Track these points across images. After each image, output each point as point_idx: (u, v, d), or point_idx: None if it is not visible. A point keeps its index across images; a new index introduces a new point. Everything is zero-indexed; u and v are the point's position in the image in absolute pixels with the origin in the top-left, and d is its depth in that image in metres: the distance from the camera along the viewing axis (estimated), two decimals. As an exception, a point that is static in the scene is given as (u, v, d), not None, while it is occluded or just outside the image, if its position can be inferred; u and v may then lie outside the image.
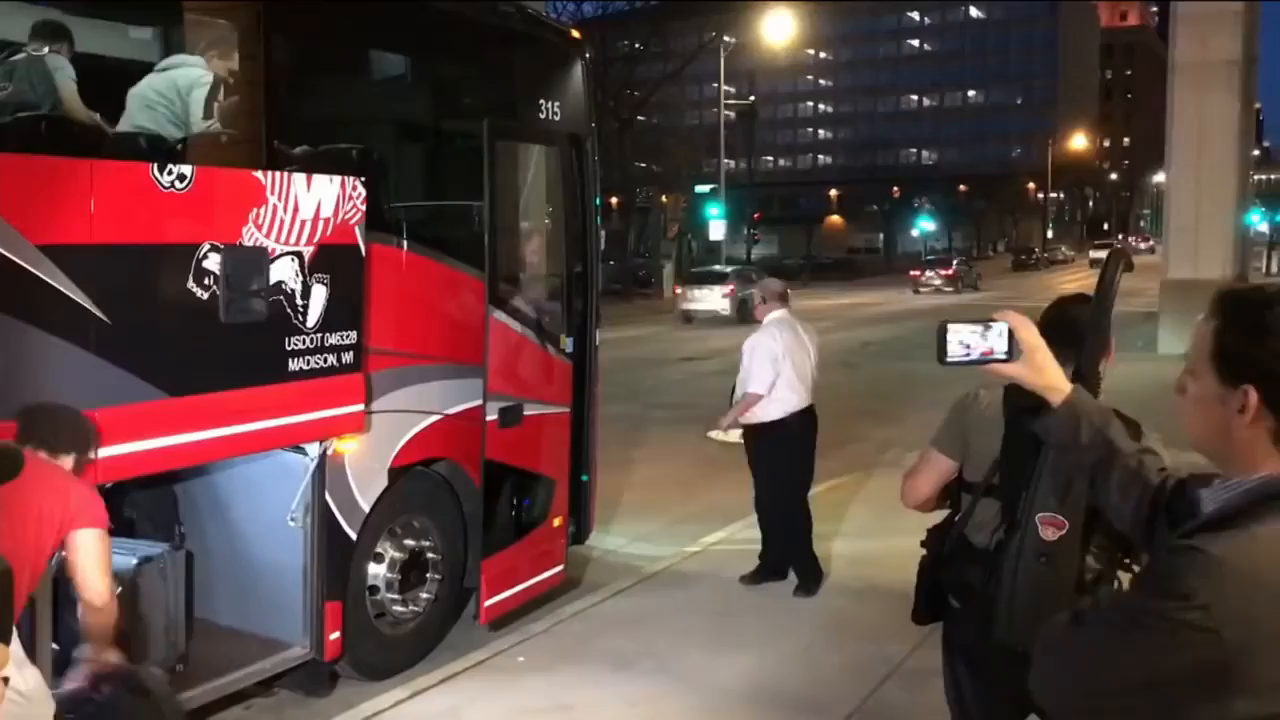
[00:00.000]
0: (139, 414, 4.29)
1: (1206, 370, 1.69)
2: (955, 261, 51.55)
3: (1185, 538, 1.57)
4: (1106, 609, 1.60)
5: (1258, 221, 51.87)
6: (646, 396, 15.67)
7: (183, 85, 5.10)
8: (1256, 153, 70.13)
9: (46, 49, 4.86)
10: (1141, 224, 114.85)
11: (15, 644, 3.55)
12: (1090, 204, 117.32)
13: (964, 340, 2.17)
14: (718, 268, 36.33)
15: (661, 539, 8.51)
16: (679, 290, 35.63)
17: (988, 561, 3.00)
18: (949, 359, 2.17)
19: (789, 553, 7.07)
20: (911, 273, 48.87)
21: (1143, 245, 76.66)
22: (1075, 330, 2.77)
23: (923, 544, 3.32)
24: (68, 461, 3.80)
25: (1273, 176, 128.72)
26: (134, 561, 4.74)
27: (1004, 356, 2.16)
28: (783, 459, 6.97)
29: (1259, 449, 1.64)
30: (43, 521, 3.59)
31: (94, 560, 3.66)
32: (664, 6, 49.17)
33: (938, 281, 46.50)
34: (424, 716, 5.23)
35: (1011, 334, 2.16)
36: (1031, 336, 2.18)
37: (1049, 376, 2.18)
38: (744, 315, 35.91)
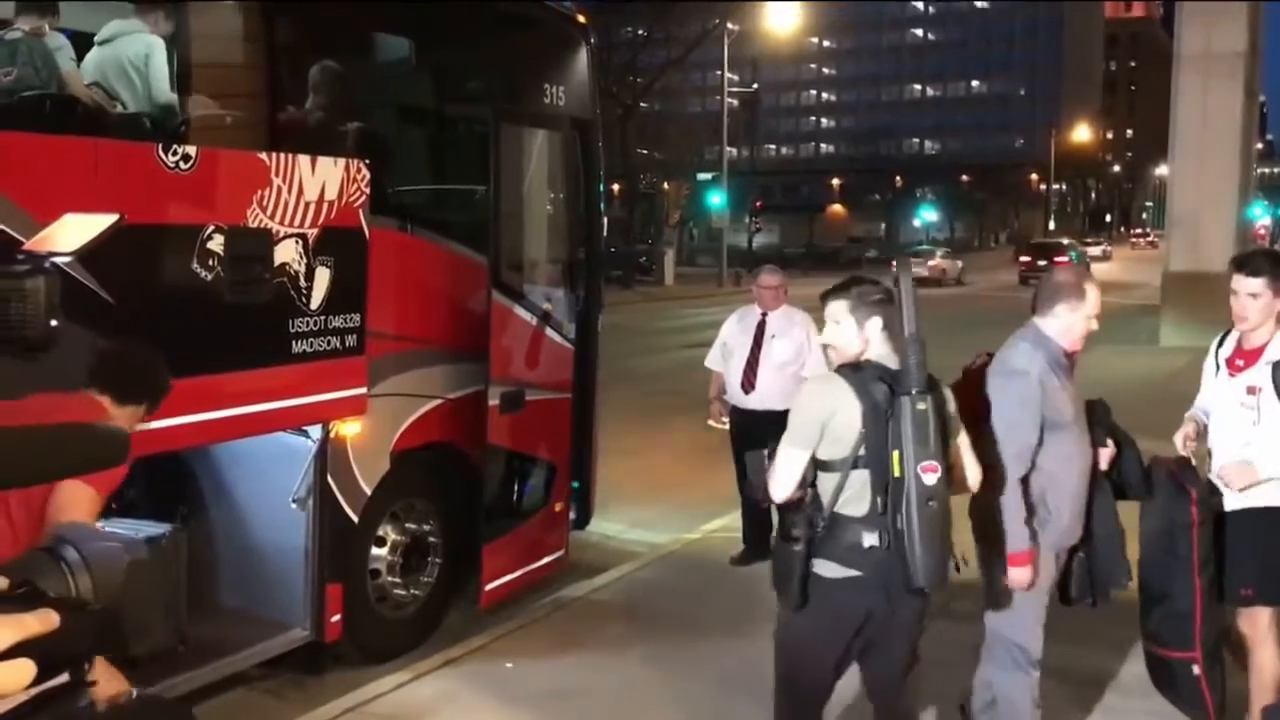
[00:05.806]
0: (142, 395, 4.27)
1: None
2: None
3: None
4: None
5: (1260, 215, 51.80)
6: (647, 383, 15.66)
7: (133, 59, 4.87)
8: (1260, 146, 69.95)
9: (43, 24, 4.82)
10: (1144, 216, 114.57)
11: None
12: (1093, 196, 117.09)
13: None
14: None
15: (662, 525, 8.52)
16: None
17: (878, 523, 3.32)
18: None
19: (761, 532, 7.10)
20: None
21: (1141, 241, 76.47)
22: None
23: (783, 538, 3.51)
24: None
25: (1276, 170, 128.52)
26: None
27: None
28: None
29: None
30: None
31: None
32: (667, -8, 48.96)
33: None
34: (424, 700, 5.24)
35: None
36: None
37: None
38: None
